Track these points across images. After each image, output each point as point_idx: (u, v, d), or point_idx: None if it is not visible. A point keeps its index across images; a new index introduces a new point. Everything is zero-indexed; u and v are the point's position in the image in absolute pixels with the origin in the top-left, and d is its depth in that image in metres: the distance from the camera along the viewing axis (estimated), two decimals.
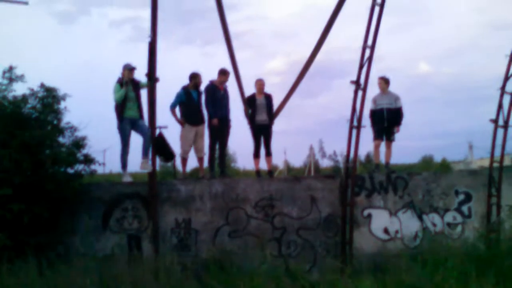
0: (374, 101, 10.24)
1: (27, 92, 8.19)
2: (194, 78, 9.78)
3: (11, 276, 6.19)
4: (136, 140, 9.33)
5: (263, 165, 10.40)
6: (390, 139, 10.23)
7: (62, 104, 8.47)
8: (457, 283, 6.31)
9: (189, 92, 9.66)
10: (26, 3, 8.25)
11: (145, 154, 8.99)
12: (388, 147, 10.26)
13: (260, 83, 10.23)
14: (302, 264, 8.59)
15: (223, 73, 9.92)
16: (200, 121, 9.76)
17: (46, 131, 8.07)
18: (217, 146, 9.96)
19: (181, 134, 9.65)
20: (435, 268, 6.98)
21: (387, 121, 10.04)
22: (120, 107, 8.95)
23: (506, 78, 9.61)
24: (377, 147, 10.38)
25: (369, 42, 8.61)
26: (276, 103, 10.29)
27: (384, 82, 10.29)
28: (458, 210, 9.34)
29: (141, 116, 9.19)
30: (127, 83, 8.91)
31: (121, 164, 9.20)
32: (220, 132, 9.82)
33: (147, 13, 7.88)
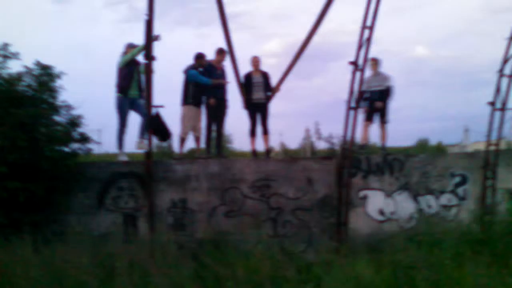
0: (365, 82, 10.19)
1: (22, 70, 8.08)
2: (200, 58, 9.77)
3: (7, 253, 6.19)
4: (132, 120, 9.34)
5: (259, 145, 10.40)
6: (383, 121, 10.25)
7: (58, 82, 8.38)
8: (452, 263, 6.35)
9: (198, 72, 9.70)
10: None
11: (142, 134, 8.99)
12: (383, 129, 10.27)
13: (255, 60, 10.18)
14: (298, 244, 8.63)
15: (220, 52, 9.86)
16: (202, 101, 9.81)
17: (41, 109, 7.97)
18: (213, 127, 9.95)
19: (183, 114, 9.64)
20: (430, 249, 7.03)
21: (376, 102, 10.05)
22: (124, 85, 8.97)
23: (505, 61, 9.58)
24: (365, 128, 10.42)
25: (368, 22, 8.53)
26: (273, 84, 10.24)
27: (375, 63, 10.30)
28: (454, 192, 9.37)
29: (140, 96, 9.20)
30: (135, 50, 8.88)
31: (118, 143, 9.20)
32: (217, 112, 9.79)
33: None
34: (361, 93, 10.05)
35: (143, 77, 9.02)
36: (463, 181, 9.43)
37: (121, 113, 9.13)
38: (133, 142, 9.08)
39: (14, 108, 7.51)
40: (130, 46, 9.18)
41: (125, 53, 9.23)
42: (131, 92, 9.10)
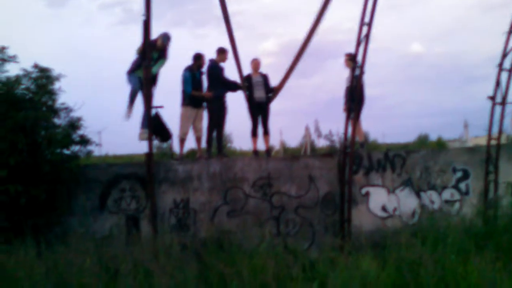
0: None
1: (20, 72, 8.01)
2: (199, 59, 9.71)
3: (10, 257, 6.14)
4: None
5: (260, 144, 10.39)
6: (351, 117, 9.83)
7: (57, 85, 8.32)
8: (457, 259, 6.32)
9: (194, 74, 9.62)
10: None
11: (143, 124, 8.90)
12: (353, 125, 9.44)
13: (255, 62, 10.25)
14: (301, 242, 8.61)
15: (221, 51, 9.83)
16: (203, 103, 9.74)
17: (41, 112, 7.92)
18: (214, 127, 9.92)
19: (181, 115, 9.60)
20: (435, 245, 7.00)
21: (349, 99, 9.76)
22: (134, 67, 9.06)
23: (504, 55, 9.55)
24: (356, 125, 10.03)
25: (366, 19, 8.49)
26: (272, 84, 10.26)
27: (349, 59, 9.78)
28: (456, 187, 9.36)
29: None
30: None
31: (129, 104, 9.32)
32: (219, 111, 9.77)
33: None
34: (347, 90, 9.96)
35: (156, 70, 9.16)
36: (465, 176, 9.41)
37: (132, 84, 9.25)
38: (134, 141, 9.02)
39: (13, 111, 7.47)
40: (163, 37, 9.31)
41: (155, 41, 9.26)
42: (139, 72, 9.06)
